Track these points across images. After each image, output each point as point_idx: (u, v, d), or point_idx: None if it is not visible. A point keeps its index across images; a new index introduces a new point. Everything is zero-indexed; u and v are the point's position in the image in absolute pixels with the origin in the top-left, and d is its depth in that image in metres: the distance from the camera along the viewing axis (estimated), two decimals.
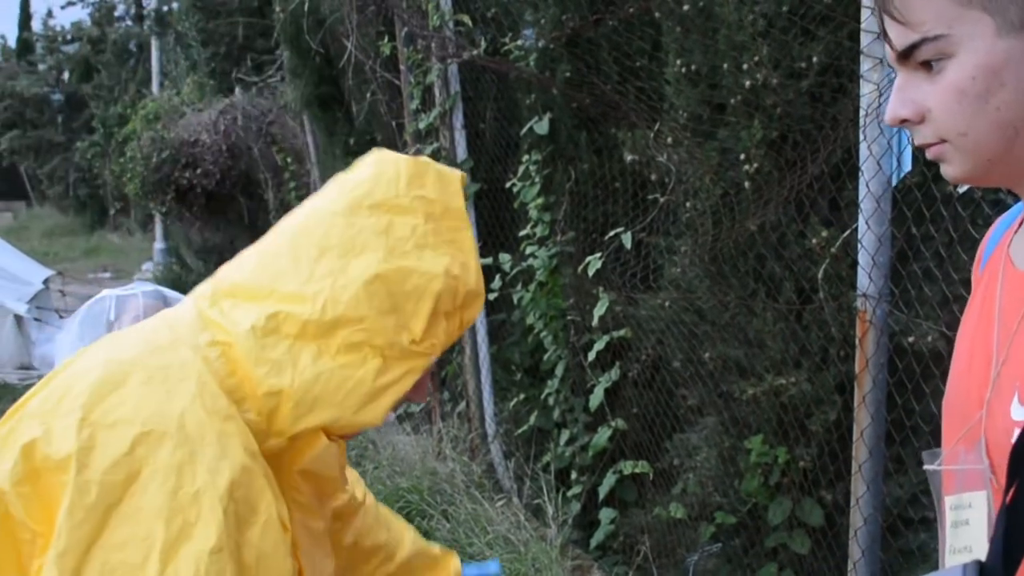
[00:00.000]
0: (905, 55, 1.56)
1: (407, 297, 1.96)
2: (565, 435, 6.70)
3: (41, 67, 47.00)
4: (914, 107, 1.57)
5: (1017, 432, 1.49)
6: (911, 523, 4.40)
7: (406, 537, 2.78)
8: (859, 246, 4.02)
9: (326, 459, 2.07)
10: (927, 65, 1.54)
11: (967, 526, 1.58)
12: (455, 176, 2.09)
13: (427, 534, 6.97)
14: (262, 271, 1.99)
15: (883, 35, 1.59)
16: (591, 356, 6.18)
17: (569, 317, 6.56)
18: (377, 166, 2.05)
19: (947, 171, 1.59)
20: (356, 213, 1.99)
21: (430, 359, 2.03)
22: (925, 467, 1.68)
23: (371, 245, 1.96)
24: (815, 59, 4.38)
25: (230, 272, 2.03)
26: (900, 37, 1.55)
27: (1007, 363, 1.58)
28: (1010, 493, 1.47)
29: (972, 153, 1.54)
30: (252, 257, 2.03)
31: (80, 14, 44.70)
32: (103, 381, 1.85)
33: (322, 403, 1.93)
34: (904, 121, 1.58)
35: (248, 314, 1.95)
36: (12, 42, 54.33)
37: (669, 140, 5.14)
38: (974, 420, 1.60)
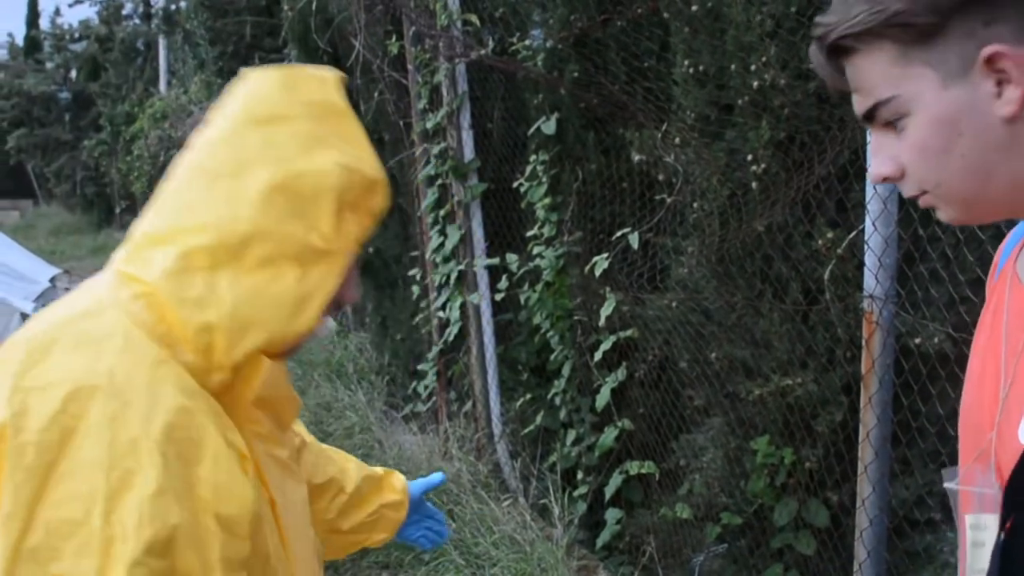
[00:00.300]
0: (868, 118, 1.63)
1: (307, 200, 1.96)
2: (571, 435, 6.71)
3: (49, 65, 47.04)
4: (893, 164, 1.63)
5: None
6: (917, 524, 4.40)
7: (351, 466, 2.84)
8: (866, 247, 4.02)
9: (275, 380, 2.07)
10: (892, 124, 1.61)
11: (983, 548, 1.58)
12: (331, 76, 2.08)
13: None
14: (165, 214, 2.00)
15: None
16: (597, 356, 6.19)
17: (576, 317, 6.56)
18: (250, 84, 2.06)
19: (941, 216, 1.67)
20: (239, 134, 1.99)
21: (347, 255, 2.03)
22: (945, 485, 1.68)
23: (259, 159, 1.96)
24: None
25: (140, 225, 2.03)
26: (858, 103, 1.63)
27: (1014, 384, 1.58)
28: (1007, 526, 1.48)
29: (952, 200, 1.61)
30: (154, 205, 2.04)
31: (88, 12, 44.87)
32: (31, 351, 1.87)
33: (252, 325, 1.94)
34: (887, 179, 1.65)
35: (161, 259, 1.95)
36: (20, 40, 54.42)
37: (677, 140, 5.14)
38: (986, 440, 1.61)
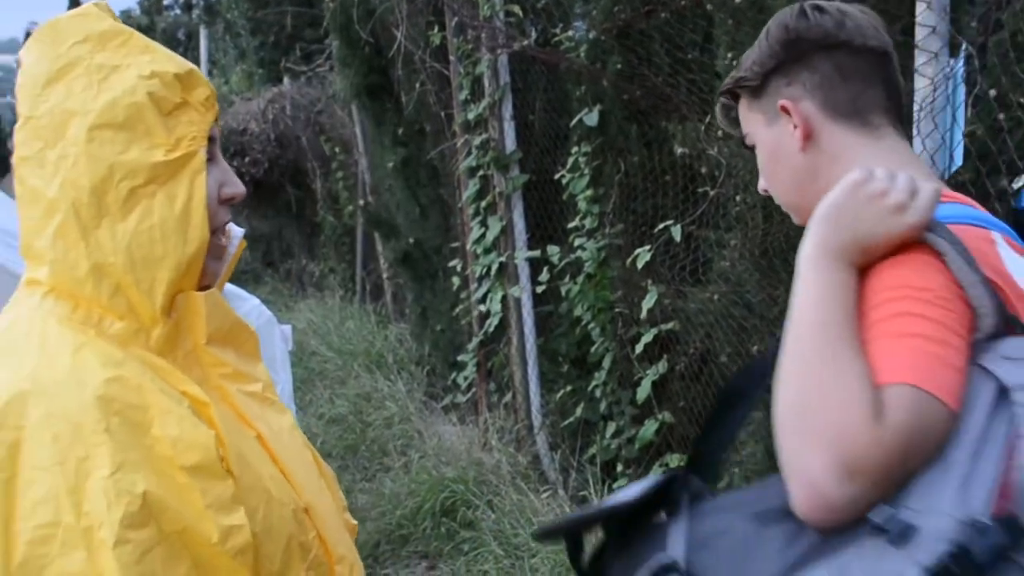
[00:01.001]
0: (749, 148, 2.42)
1: (130, 122, 1.96)
2: (611, 428, 6.69)
3: None
4: (761, 182, 2.41)
5: None
6: None
7: None
8: None
9: (217, 313, 2.09)
10: None
11: None
12: (89, 7, 2.07)
13: (472, 524, 6.99)
14: (22, 214, 2.01)
15: None
16: (638, 349, 6.17)
17: (617, 309, 6.54)
18: (25, 55, 2.03)
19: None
20: (36, 105, 1.98)
21: (197, 154, 2.02)
22: None
23: (69, 110, 1.96)
24: None
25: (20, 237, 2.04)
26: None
27: None
28: None
29: (788, 207, 2.38)
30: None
31: (129, 3, 44.90)
32: None
33: (153, 264, 1.96)
34: (765, 190, 2.42)
35: (42, 251, 1.97)
36: None
37: (720, 133, 5.13)
38: None
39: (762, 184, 2.38)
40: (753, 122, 2.33)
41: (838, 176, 1.98)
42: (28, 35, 1.93)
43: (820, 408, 1.73)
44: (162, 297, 1.97)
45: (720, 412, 2.07)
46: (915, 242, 1.89)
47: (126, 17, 43.85)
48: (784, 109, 2.23)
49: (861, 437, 1.66)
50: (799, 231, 2.04)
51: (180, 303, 2.01)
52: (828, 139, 2.21)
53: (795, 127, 2.22)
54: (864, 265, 1.91)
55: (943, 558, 1.54)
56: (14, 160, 2.01)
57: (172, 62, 2.05)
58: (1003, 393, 1.70)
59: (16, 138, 1.98)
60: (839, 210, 1.92)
